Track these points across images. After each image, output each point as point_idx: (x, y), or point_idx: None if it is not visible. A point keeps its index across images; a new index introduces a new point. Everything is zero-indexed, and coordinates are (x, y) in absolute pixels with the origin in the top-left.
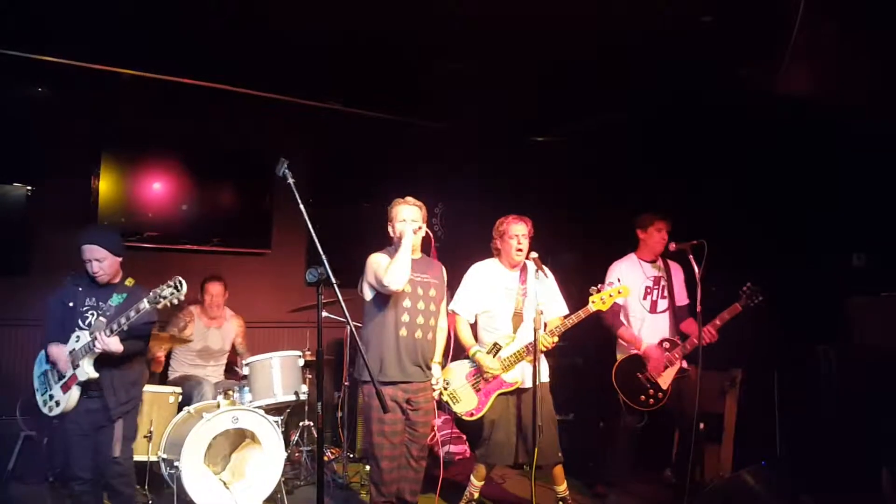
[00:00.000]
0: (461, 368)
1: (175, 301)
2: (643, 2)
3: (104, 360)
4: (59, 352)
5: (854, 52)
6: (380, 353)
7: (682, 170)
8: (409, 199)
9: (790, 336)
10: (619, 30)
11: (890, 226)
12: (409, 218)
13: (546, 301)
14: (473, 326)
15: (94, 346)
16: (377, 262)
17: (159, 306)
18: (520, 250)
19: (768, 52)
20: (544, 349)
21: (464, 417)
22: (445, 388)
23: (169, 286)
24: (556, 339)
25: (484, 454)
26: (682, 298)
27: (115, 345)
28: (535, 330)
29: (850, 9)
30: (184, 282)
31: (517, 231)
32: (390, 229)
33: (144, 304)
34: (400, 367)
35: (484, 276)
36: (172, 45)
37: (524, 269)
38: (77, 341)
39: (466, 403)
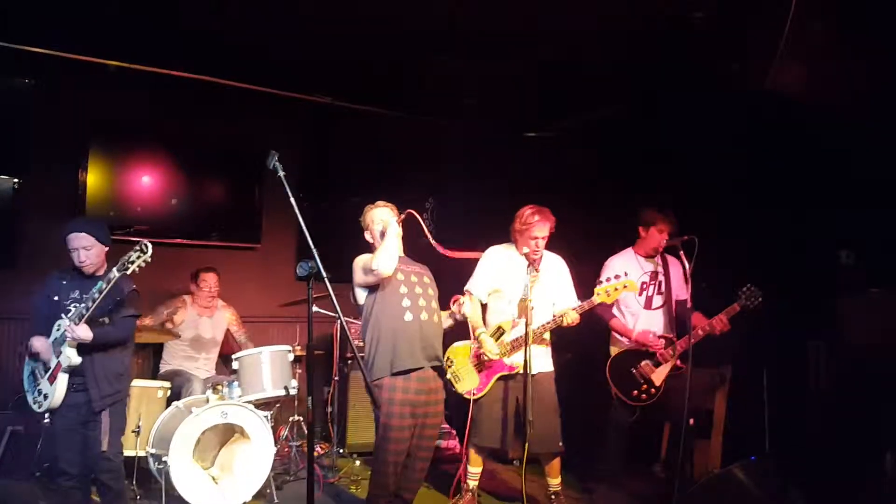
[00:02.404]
0: (465, 349)
1: (143, 264)
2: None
3: (87, 351)
4: (41, 343)
5: (847, 51)
6: (392, 343)
7: (674, 167)
8: (379, 202)
9: (780, 332)
10: (615, 27)
11: (879, 223)
12: (385, 216)
13: (557, 293)
14: (483, 309)
15: (65, 337)
16: (364, 257)
17: (128, 272)
18: (536, 251)
19: (761, 50)
20: (570, 324)
21: (465, 396)
22: (449, 367)
23: (135, 251)
24: (577, 316)
25: (473, 437)
26: (681, 293)
27: (83, 332)
28: (528, 324)
29: (843, 7)
30: (149, 244)
31: (539, 233)
32: (368, 236)
33: (114, 273)
34: (411, 353)
35: (499, 259)
36: (161, 37)
37: (531, 263)
38: (58, 330)
39: (468, 383)
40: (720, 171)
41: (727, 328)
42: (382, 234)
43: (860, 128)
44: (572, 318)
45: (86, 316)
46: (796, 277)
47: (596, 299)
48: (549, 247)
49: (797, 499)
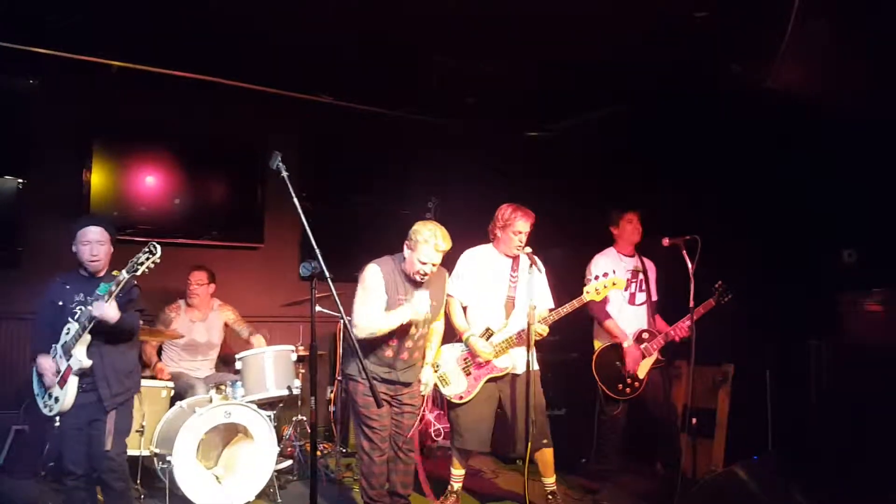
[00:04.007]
0: (452, 352)
1: (151, 265)
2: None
3: (95, 351)
4: (46, 363)
5: (847, 50)
6: (367, 362)
7: (674, 166)
8: (442, 234)
9: (782, 332)
10: (614, 27)
11: (880, 222)
12: (433, 261)
13: (534, 294)
14: (465, 311)
15: (90, 317)
16: (369, 282)
17: (137, 273)
18: (520, 246)
19: (762, 49)
20: (537, 338)
21: (452, 400)
22: (436, 371)
23: (144, 252)
24: (547, 329)
25: (456, 440)
26: (653, 294)
27: (111, 309)
28: (529, 324)
29: (844, 6)
30: (158, 246)
31: (521, 228)
32: (407, 247)
33: (123, 275)
34: (383, 375)
35: (478, 262)
36: (165, 37)
37: (518, 257)
38: (67, 333)
39: (456, 386)
40: (720, 170)
41: (686, 334)
42: (411, 271)
43: (861, 127)
44: (542, 330)
45: (115, 293)
46: (798, 276)
47: (585, 297)
48: (547, 245)
49: (799, 498)
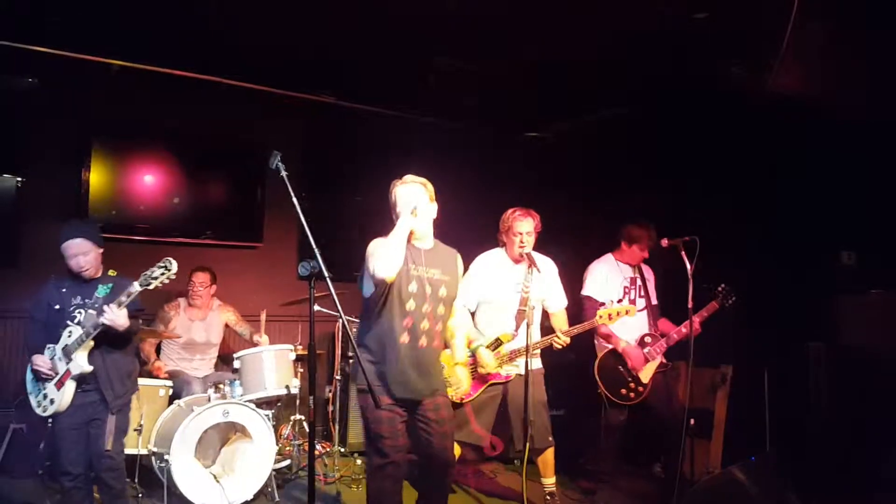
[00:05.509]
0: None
1: (166, 280)
2: (637, 0)
3: (97, 354)
4: (41, 361)
5: (846, 52)
6: (380, 366)
7: (673, 168)
8: (407, 177)
9: (780, 333)
10: (614, 28)
11: (879, 224)
12: (412, 192)
13: (547, 293)
14: (473, 316)
15: (96, 324)
16: (372, 248)
17: (150, 287)
18: (522, 247)
19: (762, 51)
20: (559, 347)
21: (454, 400)
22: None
23: (159, 267)
24: (568, 339)
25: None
26: (653, 299)
27: (122, 317)
28: (528, 325)
29: (843, 8)
30: (174, 261)
31: (521, 229)
32: (394, 217)
33: (136, 287)
34: (403, 382)
35: (489, 267)
36: (164, 37)
37: (531, 262)
38: (69, 336)
39: (458, 389)
40: (720, 171)
41: (699, 331)
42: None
43: (861, 127)
44: (563, 342)
45: (125, 303)
46: (796, 278)
47: (597, 321)
48: (547, 246)
49: (796, 500)
